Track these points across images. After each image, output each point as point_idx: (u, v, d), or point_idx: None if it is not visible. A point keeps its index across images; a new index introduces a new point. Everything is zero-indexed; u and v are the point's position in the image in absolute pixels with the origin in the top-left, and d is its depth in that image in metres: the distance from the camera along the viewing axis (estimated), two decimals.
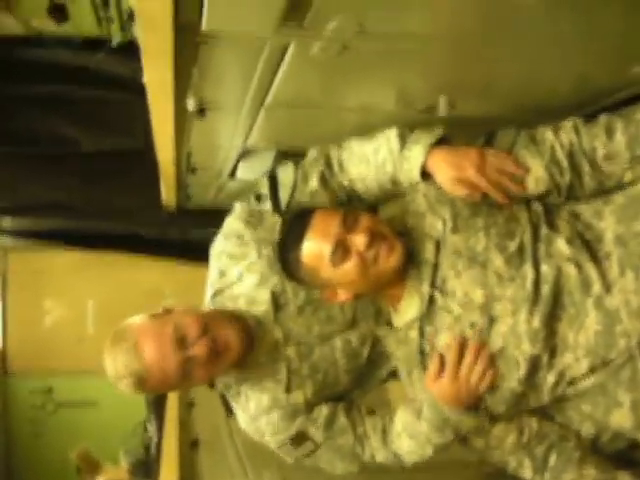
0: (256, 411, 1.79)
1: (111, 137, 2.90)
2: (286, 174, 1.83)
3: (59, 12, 2.26)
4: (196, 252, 2.17)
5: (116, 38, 2.26)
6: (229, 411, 2.15)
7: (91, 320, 4.16)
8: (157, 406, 3.48)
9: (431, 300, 1.61)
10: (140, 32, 1.18)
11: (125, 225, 3.73)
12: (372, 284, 1.62)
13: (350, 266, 1.55)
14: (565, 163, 1.56)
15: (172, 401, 3.03)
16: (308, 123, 1.86)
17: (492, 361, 1.59)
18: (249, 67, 1.38)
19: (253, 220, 1.81)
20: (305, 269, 1.59)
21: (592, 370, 1.51)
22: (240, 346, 1.69)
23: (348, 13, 1.16)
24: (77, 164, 3.07)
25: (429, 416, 1.67)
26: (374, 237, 1.54)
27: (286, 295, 1.76)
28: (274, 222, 1.79)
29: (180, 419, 2.64)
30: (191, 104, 1.55)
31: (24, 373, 4.46)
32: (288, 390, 1.75)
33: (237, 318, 1.74)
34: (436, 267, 1.60)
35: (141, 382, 1.60)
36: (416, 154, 1.61)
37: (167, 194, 2.78)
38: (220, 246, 1.84)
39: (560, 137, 1.57)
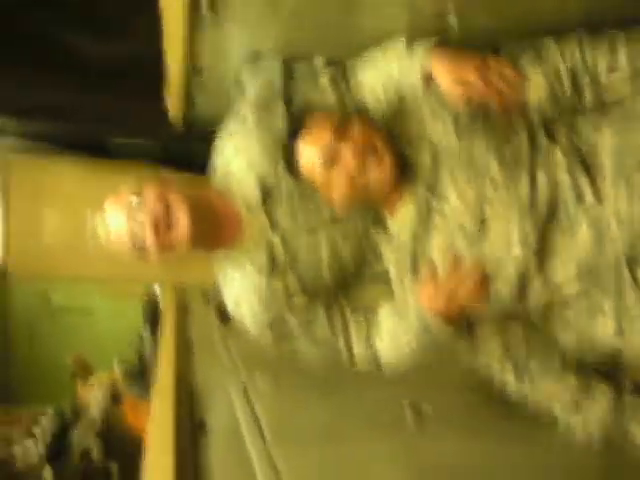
0: (239, 294, 1.85)
1: (116, 43, 2.86)
2: (299, 69, 1.87)
3: None
4: (200, 164, 2.17)
5: None
6: (223, 319, 2.20)
7: (90, 229, 4.16)
8: (152, 316, 3.54)
9: (427, 204, 1.64)
10: None
11: (129, 132, 3.70)
12: (362, 193, 1.67)
13: (337, 173, 1.61)
14: (567, 78, 1.59)
15: (168, 307, 3.07)
16: (315, 27, 1.85)
17: (485, 282, 1.63)
18: None
19: (259, 103, 1.87)
20: (303, 171, 1.69)
21: (579, 277, 1.56)
22: (188, 231, 1.73)
23: None
24: (79, 68, 3.03)
25: (412, 320, 1.74)
26: (362, 148, 1.60)
27: (275, 182, 1.80)
28: (279, 108, 1.85)
29: (176, 322, 2.68)
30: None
31: (23, 278, 4.49)
32: (267, 274, 1.80)
33: (224, 204, 1.82)
34: (433, 171, 1.63)
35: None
36: (419, 55, 1.65)
37: (172, 100, 2.74)
38: (225, 125, 1.91)
39: (564, 52, 1.59)
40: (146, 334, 3.57)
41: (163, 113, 3.14)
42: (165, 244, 1.72)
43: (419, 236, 1.68)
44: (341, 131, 1.62)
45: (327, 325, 1.86)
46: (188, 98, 2.71)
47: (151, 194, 1.70)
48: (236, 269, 1.85)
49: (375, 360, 1.86)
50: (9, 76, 3.03)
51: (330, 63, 1.89)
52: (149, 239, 1.69)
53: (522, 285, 1.61)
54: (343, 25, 1.83)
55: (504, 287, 1.62)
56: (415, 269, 1.70)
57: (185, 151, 3.71)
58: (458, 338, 1.74)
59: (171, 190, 1.73)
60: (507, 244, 1.58)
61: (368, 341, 1.85)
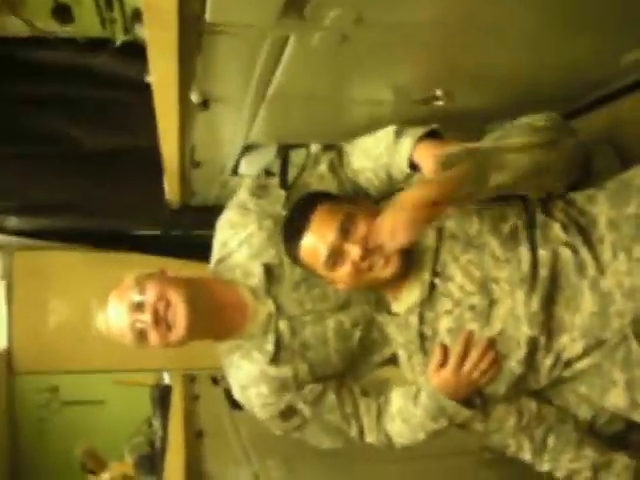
0: (246, 381, 1.82)
1: (114, 136, 2.95)
2: (298, 155, 1.88)
3: (63, 13, 2.32)
4: (200, 251, 2.20)
5: (119, 38, 2.31)
6: (233, 404, 2.20)
7: (95, 320, 4.19)
8: (162, 402, 3.53)
9: (432, 286, 1.65)
10: (147, 24, 1.22)
11: (129, 223, 3.76)
12: (368, 285, 1.69)
13: (343, 272, 1.62)
14: None
15: (177, 394, 3.07)
16: (310, 117, 1.91)
17: (495, 360, 1.64)
18: (251, 59, 1.43)
19: (259, 192, 1.85)
20: (303, 262, 1.67)
21: (587, 351, 1.55)
22: (184, 328, 1.71)
23: (347, 2, 1.21)
24: (81, 163, 3.12)
25: (426, 403, 1.71)
26: (368, 250, 1.58)
27: (282, 269, 1.79)
28: (279, 195, 1.83)
29: (185, 411, 2.67)
30: (195, 96, 1.60)
31: (30, 372, 4.50)
32: (275, 362, 1.78)
33: (230, 294, 1.80)
34: (436, 254, 1.65)
35: (141, 334, 1.70)
36: (405, 146, 1.67)
37: (171, 190, 2.82)
38: (225, 216, 1.88)
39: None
40: (156, 421, 3.55)
41: (164, 203, 3.22)
42: (167, 341, 1.74)
43: (427, 318, 1.68)
44: (346, 229, 1.60)
45: (338, 412, 1.83)
46: (188, 188, 2.78)
47: (152, 291, 1.72)
48: (243, 357, 1.84)
49: (388, 442, 1.85)
50: (16, 173, 3.11)
51: (326, 148, 1.93)
52: (151, 336, 1.71)
53: (533, 363, 1.61)
54: (335, 113, 1.88)
55: (516, 365, 1.61)
56: (424, 350, 1.71)
57: (186, 239, 3.79)
58: (473, 418, 1.74)
59: (171, 286, 1.74)
60: (516, 323, 1.58)
61: (379, 425, 1.83)
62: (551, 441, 1.70)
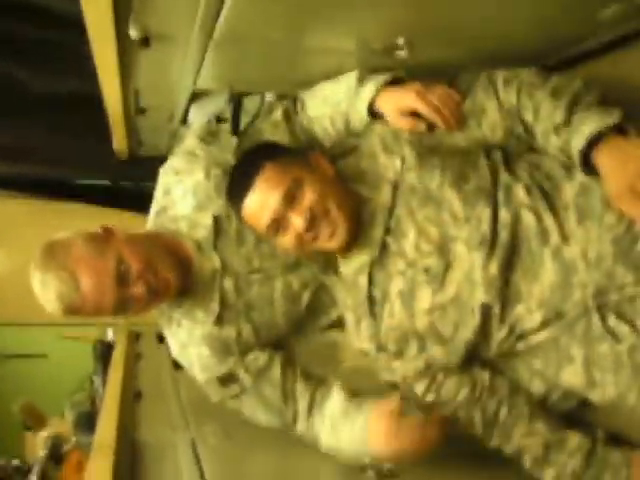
0: (187, 340, 1.74)
1: (63, 81, 2.79)
2: (252, 102, 1.79)
3: None
4: (150, 203, 2.08)
5: None
6: (176, 364, 2.10)
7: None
8: (104, 359, 3.41)
9: (384, 245, 1.56)
10: None
11: (76, 172, 3.60)
12: (312, 252, 1.60)
13: (286, 240, 1.53)
14: (517, 117, 1.52)
15: (118, 352, 2.96)
16: (263, 63, 1.76)
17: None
18: None
19: (208, 138, 1.76)
20: (245, 221, 1.58)
21: (544, 323, 1.47)
22: (178, 285, 1.64)
23: None
24: (26, 108, 2.94)
25: (357, 431, 1.62)
26: (315, 218, 1.49)
27: (229, 222, 1.69)
28: (229, 142, 1.74)
29: (125, 370, 2.56)
30: (134, 32, 1.44)
31: None
32: (219, 322, 1.69)
33: (176, 248, 1.69)
34: (391, 210, 1.55)
35: (72, 311, 1.56)
36: (367, 92, 1.61)
37: (117, 139, 2.66)
38: (170, 162, 1.78)
39: (507, 92, 1.53)
40: (97, 378, 3.43)
41: (111, 151, 3.07)
42: (145, 309, 1.66)
43: (377, 279, 1.59)
44: (291, 196, 1.50)
45: (279, 389, 1.74)
46: (135, 137, 2.63)
47: (136, 266, 1.58)
48: (184, 315, 1.74)
49: (315, 441, 1.74)
50: None
51: (281, 97, 1.82)
52: (135, 307, 1.61)
53: (487, 332, 1.52)
54: (290, 61, 1.74)
55: (469, 334, 1.53)
56: (374, 314, 1.61)
57: (135, 191, 3.64)
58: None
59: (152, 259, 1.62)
60: (471, 287, 1.49)
61: (310, 419, 1.73)
62: (503, 414, 1.63)
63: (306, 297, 1.76)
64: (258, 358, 1.75)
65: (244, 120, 1.74)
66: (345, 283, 1.65)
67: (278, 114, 1.76)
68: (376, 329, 1.62)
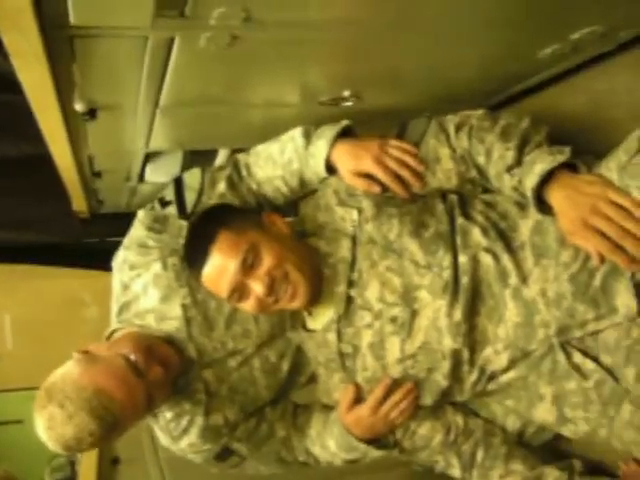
0: (176, 432, 1.69)
1: (14, 144, 2.77)
2: (193, 177, 1.71)
3: None
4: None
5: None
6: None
7: (9, 335, 3.97)
8: None
9: (349, 300, 1.55)
10: (3, 33, 1.06)
11: (38, 235, 3.57)
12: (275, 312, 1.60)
13: (248, 306, 1.51)
14: (470, 161, 1.52)
15: None
16: (211, 122, 1.77)
17: (415, 398, 1.57)
18: (134, 65, 1.28)
19: (157, 226, 1.68)
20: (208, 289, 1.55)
21: (512, 363, 1.47)
22: (178, 358, 1.60)
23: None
24: None
25: (337, 437, 1.65)
26: (274, 281, 1.47)
27: (196, 308, 1.65)
28: (180, 226, 1.66)
29: None
30: (79, 106, 1.44)
31: None
32: (207, 412, 1.66)
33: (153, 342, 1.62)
34: (352, 263, 1.55)
35: (111, 428, 1.44)
36: (320, 149, 1.55)
37: (76, 200, 2.65)
38: (121, 256, 1.70)
39: (459, 138, 1.53)
40: None
41: (71, 211, 3.05)
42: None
43: (346, 334, 1.58)
44: (249, 263, 1.46)
45: (273, 440, 1.75)
46: (94, 198, 2.62)
47: (141, 358, 1.52)
48: (170, 408, 1.68)
49: (316, 463, 1.78)
50: None
51: (225, 164, 1.77)
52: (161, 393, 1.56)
53: (457, 376, 1.52)
54: (237, 117, 1.75)
55: (441, 379, 1.53)
56: (345, 368, 1.60)
57: (99, 248, 3.61)
58: (389, 449, 1.66)
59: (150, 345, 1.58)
60: (438, 335, 1.49)
61: (304, 446, 1.76)
62: (479, 456, 1.63)
63: (285, 366, 1.74)
64: (247, 425, 1.73)
65: (189, 197, 1.69)
66: (314, 340, 1.64)
67: (222, 186, 1.70)
68: (350, 382, 1.61)
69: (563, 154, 1.35)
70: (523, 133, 1.45)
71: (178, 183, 1.72)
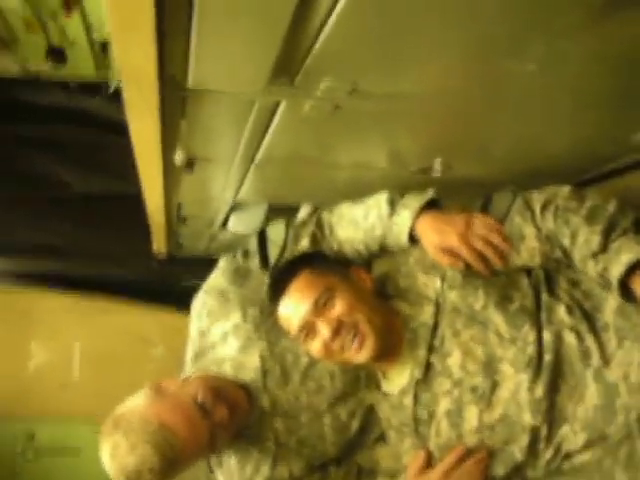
0: (238, 477, 1.69)
1: (103, 181, 2.87)
2: (277, 232, 1.75)
3: (58, 55, 2.25)
4: (187, 301, 2.11)
5: (113, 83, 2.24)
6: (211, 468, 2.07)
7: (77, 365, 4.06)
8: None
9: (428, 365, 1.54)
10: (124, 86, 1.13)
11: (116, 270, 3.67)
12: (345, 365, 1.59)
13: (314, 347, 1.52)
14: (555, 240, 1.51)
15: None
16: (300, 179, 1.82)
17: (486, 469, 1.53)
18: (238, 124, 1.34)
19: (238, 278, 1.73)
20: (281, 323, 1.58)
21: (588, 445, 1.44)
22: (247, 403, 1.62)
23: (341, 73, 1.12)
24: (70, 207, 3.03)
25: None
26: (342, 327, 1.48)
27: (273, 361, 1.67)
28: (261, 280, 1.71)
29: None
30: (179, 158, 1.51)
31: (6, 418, 4.34)
32: (274, 462, 1.66)
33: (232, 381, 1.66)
34: (434, 329, 1.54)
35: (172, 464, 1.44)
36: (404, 219, 1.56)
37: (158, 242, 2.72)
38: (200, 303, 1.75)
39: (544, 217, 1.52)
40: None
41: (151, 252, 3.13)
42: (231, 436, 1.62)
43: (423, 399, 1.56)
44: (322, 304, 1.50)
45: None
46: (175, 241, 2.69)
47: (209, 394, 1.54)
48: (235, 454, 1.69)
49: None
50: (1, 214, 3.02)
51: (306, 220, 1.80)
52: (222, 437, 1.57)
53: (533, 452, 1.49)
54: (325, 178, 1.79)
55: (517, 452, 1.50)
56: (418, 434, 1.59)
57: (173, 289, 3.69)
58: None
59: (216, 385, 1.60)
60: (518, 409, 1.47)
61: None
62: None
63: (355, 425, 1.73)
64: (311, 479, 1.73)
65: (273, 251, 1.73)
66: (389, 403, 1.63)
67: (305, 242, 1.72)
68: (420, 448, 1.60)
69: None
70: (610, 217, 1.44)
71: (262, 236, 1.76)
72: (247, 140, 1.43)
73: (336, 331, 1.48)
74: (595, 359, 1.43)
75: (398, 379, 1.60)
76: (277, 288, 1.56)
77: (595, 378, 1.43)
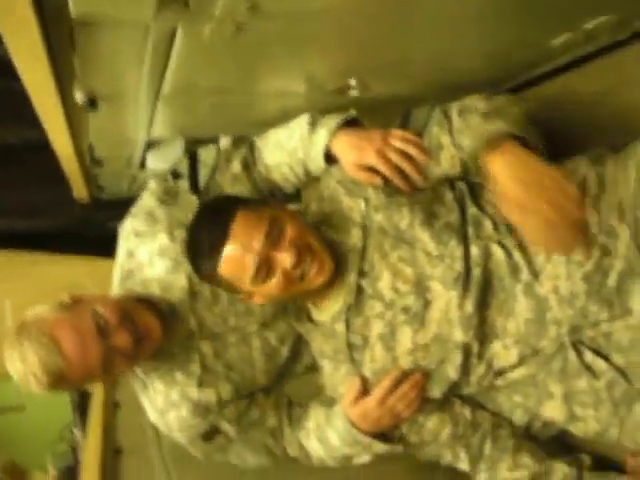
0: (164, 405, 1.68)
1: (15, 130, 2.75)
2: (208, 153, 1.71)
3: None
4: (115, 245, 2.04)
5: None
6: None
7: (10, 321, 3.95)
8: (82, 408, 3.34)
9: (359, 290, 1.51)
10: (3, 32, 1.03)
11: (40, 221, 3.55)
12: (295, 295, 1.54)
13: (274, 283, 1.43)
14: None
15: (96, 403, 2.89)
16: (214, 110, 1.73)
17: (423, 391, 1.54)
18: (136, 54, 1.24)
19: (167, 198, 1.68)
20: (221, 279, 1.46)
21: (521, 360, 1.45)
22: (160, 332, 1.56)
23: None
24: None
25: (340, 430, 1.61)
26: (301, 253, 1.42)
27: (201, 282, 1.62)
28: (191, 201, 1.67)
29: (104, 424, 2.50)
30: (79, 96, 1.40)
31: None
32: (200, 385, 1.64)
33: (152, 303, 1.61)
34: (363, 252, 1.51)
35: (59, 379, 1.45)
36: (321, 137, 1.54)
37: (77, 187, 2.63)
38: (129, 224, 1.70)
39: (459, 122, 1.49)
40: (76, 429, 3.37)
41: (72, 199, 3.03)
42: (132, 362, 1.57)
43: (355, 325, 1.54)
44: (274, 235, 1.41)
45: (262, 427, 1.72)
46: (94, 184, 2.59)
47: (114, 316, 1.50)
48: (160, 378, 1.67)
49: (307, 458, 1.75)
50: None
51: (236, 142, 1.76)
52: (121, 361, 1.51)
53: (466, 369, 1.49)
54: (241, 106, 1.71)
55: (452, 371, 1.50)
56: (353, 360, 1.57)
57: (100, 234, 3.59)
58: (394, 445, 1.63)
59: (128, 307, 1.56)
60: (449, 326, 1.46)
61: (296, 439, 1.73)
62: (487, 448, 1.61)
63: (285, 351, 1.73)
64: (238, 406, 1.71)
65: (203, 173, 1.67)
66: (321, 331, 1.61)
67: (237, 166, 1.69)
68: (356, 374, 1.59)
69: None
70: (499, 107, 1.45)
71: (192, 158, 1.70)
72: (149, 72, 1.34)
73: (297, 255, 1.41)
74: (524, 274, 1.42)
75: (329, 307, 1.57)
76: (214, 236, 1.44)
77: (525, 292, 1.42)
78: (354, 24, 1.27)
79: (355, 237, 1.53)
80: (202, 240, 1.46)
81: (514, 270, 1.43)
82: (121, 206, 2.15)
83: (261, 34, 1.22)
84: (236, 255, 1.41)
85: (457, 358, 1.47)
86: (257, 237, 1.40)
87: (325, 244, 1.49)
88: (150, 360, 1.64)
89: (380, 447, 1.61)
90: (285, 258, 1.41)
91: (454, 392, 1.58)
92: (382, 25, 1.30)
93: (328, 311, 1.58)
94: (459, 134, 1.46)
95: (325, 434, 1.66)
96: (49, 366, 1.42)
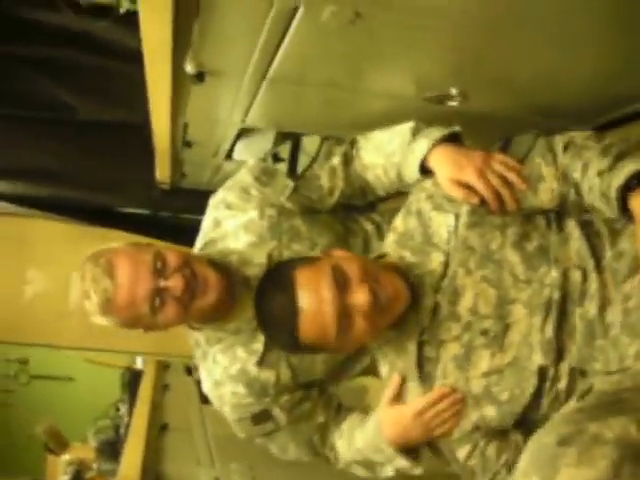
0: (222, 377, 1.68)
1: (110, 108, 2.82)
2: (311, 143, 1.72)
3: None
4: (187, 235, 2.06)
5: (124, 6, 2.18)
6: (204, 398, 2.07)
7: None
8: (131, 387, 3.40)
9: (435, 309, 1.49)
10: None
11: (117, 200, 3.64)
12: (384, 327, 1.48)
13: (359, 328, 1.37)
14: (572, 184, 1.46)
15: (147, 382, 2.95)
16: (312, 105, 1.77)
17: (458, 413, 1.49)
18: (253, 29, 1.29)
19: (264, 178, 1.69)
20: (307, 344, 1.40)
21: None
22: (219, 292, 1.55)
23: None
24: (73, 132, 2.98)
25: (369, 435, 1.61)
26: (372, 287, 1.35)
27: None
28: (285, 185, 1.67)
29: (152, 401, 2.54)
30: (190, 67, 1.46)
31: (0, 342, 4.34)
32: (260, 364, 1.65)
33: (223, 268, 1.61)
34: (445, 270, 1.48)
35: (107, 302, 1.46)
36: (421, 147, 1.51)
37: (161, 169, 2.69)
38: (221, 195, 1.72)
39: (565, 157, 1.47)
40: (123, 406, 3.42)
41: (154, 183, 3.10)
42: (181, 316, 1.55)
43: (429, 347, 1.49)
44: (339, 279, 1.35)
45: (312, 422, 1.72)
46: (179, 169, 2.65)
47: (174, 257, 1.52)
48: (223, 351, 1.69)
49: (335, 459, 1.74)
50: (2, 134, 2.98)
51: (338, 139, 1.77)
52: (170, 308, 1.50)
53: (540, 393, 1.47)
54: (343, 104, 1.75)
55: (526, 397, 1.47)
56: (422, 379, 1.51)
57: (174, 222, 3.67)
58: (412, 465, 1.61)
59: (188, 256, 1.58)
60: (529, 351, 1.43)
61: (330, 438, 1.73)
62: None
63: None
64: (293, 396, 1.72)
65: (302, 161, 1.69)
66: (394, 346, 1.59)
67: (337, 160, 1.68)
68: (424, 391, 1.57)
69: None
70: (623, 149, 1.40)
71: (295, 144, 1.73)
72: (262, 49, 1.38)
73: (372, 291, 1.34)
74: (595, 300, 1.40)
75: (404, 325, 1.55)
76: (283, 308, 1.37)
77: (581, 317, 1.40)
78: (470, 30, 1.30)
79: (435, 261, 1.51)
80: (273, 312, 1.42)
81: (582, 295, 1.41)
82: (198, 198, 2.20)
83: (376, 26, 1.25)
84: (312, 315, 1.35)
85: (533, 383, 1.44)
86: (324, 286, 1.35)
87: (393, 268, 1.48)
88: (217, 330, 1.67)
89: (399, 463, 1.58)
90: (361, 297, 1.34)
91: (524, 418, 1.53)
92: (497, 36, 1.32)
93: (402, 328, 1.56)
94: (574, 172, 1.43)
95: (354, 435, 1.66)
96: (100, 285, 1.45)
